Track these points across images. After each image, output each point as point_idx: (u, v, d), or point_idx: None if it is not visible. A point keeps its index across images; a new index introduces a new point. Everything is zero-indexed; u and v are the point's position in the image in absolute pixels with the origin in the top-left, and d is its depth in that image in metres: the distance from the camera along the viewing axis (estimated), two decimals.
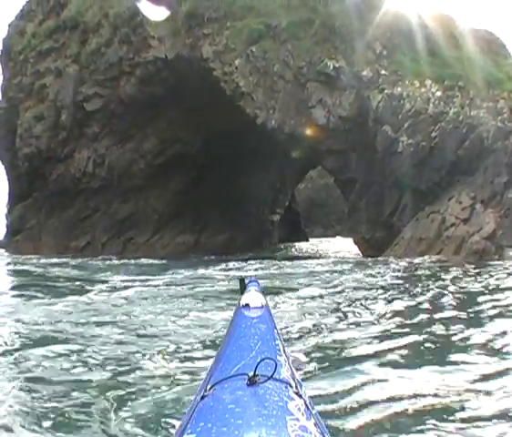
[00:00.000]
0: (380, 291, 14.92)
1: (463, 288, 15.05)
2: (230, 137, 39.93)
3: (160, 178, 41.71)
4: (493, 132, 29.14)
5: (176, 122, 40.31)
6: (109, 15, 41.38)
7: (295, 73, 34.56)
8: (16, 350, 8.62)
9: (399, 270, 21.01)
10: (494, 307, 11.73)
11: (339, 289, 15.69)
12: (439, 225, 27.38)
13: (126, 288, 16.96)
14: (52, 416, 5.55)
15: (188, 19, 37.81)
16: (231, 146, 40.65)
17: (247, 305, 3.67)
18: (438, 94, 31.67)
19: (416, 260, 23.98)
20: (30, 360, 7.92)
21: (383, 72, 33.16)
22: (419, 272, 20.21)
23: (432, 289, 15.12)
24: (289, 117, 34.09)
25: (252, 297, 3.86)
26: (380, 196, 32.14)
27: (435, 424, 5.05)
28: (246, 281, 4.89)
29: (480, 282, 16.07)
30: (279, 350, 2.71)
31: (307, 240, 61.99)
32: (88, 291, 16.47)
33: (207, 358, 7.31)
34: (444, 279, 17.10)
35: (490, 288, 14.95)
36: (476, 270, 19.17)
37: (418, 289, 15.15)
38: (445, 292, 14.14)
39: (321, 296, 14.18)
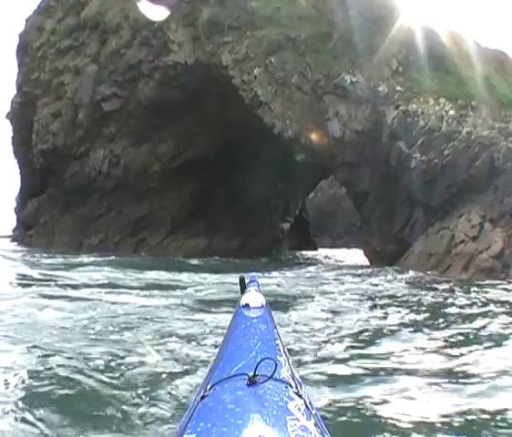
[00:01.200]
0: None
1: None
2: (245, 145, 40.97)
3: (175, 181, 42.49)
4: (503, 152, 29.66)
5: (192, 127, 41.16)
6: (130, 17, 42.28)
7: (313, 85, 35.52)
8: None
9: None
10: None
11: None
12: (449, 241, 28.06)
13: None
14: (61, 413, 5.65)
15: (208, 26, 38.89)
16: (246, 153, 41.60)
17: (247, 305, 3.74)
18: (452, 112, 32.39)
19: (420, 274, 24.88)
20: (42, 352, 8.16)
21: (398, 88, 34.08)
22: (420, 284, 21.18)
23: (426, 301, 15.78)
24: (305, 129, 34.94)
25: (252, 297, 3.91)
26: (392, 210, 32.92)
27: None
28: (246, 281, 4.91)
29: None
30: (279, 350, 2.78)
31: (316, 250, 62.71)
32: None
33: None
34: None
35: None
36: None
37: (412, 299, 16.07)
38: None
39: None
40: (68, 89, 44.60)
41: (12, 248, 42.18)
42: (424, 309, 14.18)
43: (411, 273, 25.04)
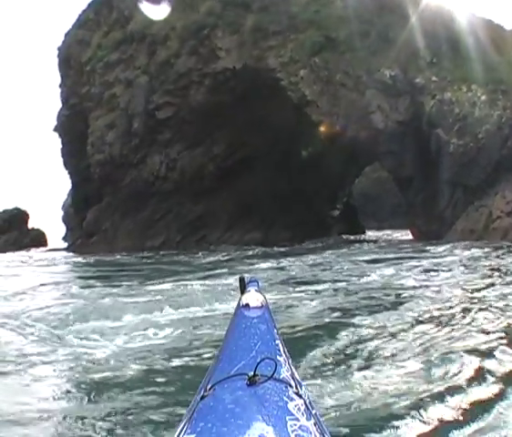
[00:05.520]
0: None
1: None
2: (293, 141, 45.27)
3: (229, 180, 46.36)
4: None
5: (243, 127, 44.90)
6: (177, 27, 46.62)
7: (355, 81, 39.79)
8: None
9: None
10: None
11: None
12: (487, 218, 32.55)
13: None
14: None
15: (253, 32, 43.37)
16: (295, 148, 46.02)
17: (247, 305, 3.80)
18: (483, 98, 36.58)
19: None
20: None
21: (433, 78, 38.26)
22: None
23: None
24: (351, 123, 39.18)
25: (252, 297, 3.97)
26: (434, 192, 36.80)
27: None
28: (246, 281, 4.81)
29: None
30: (279, 350, 2.86)
31: (364, 233, 65.70)
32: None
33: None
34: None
35: None
36: None
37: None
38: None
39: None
40: (121, 100, 48.60)
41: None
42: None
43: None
